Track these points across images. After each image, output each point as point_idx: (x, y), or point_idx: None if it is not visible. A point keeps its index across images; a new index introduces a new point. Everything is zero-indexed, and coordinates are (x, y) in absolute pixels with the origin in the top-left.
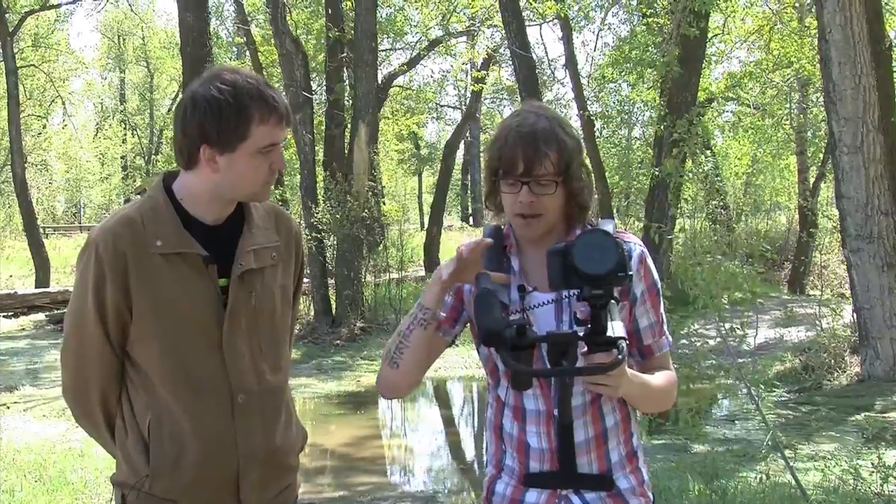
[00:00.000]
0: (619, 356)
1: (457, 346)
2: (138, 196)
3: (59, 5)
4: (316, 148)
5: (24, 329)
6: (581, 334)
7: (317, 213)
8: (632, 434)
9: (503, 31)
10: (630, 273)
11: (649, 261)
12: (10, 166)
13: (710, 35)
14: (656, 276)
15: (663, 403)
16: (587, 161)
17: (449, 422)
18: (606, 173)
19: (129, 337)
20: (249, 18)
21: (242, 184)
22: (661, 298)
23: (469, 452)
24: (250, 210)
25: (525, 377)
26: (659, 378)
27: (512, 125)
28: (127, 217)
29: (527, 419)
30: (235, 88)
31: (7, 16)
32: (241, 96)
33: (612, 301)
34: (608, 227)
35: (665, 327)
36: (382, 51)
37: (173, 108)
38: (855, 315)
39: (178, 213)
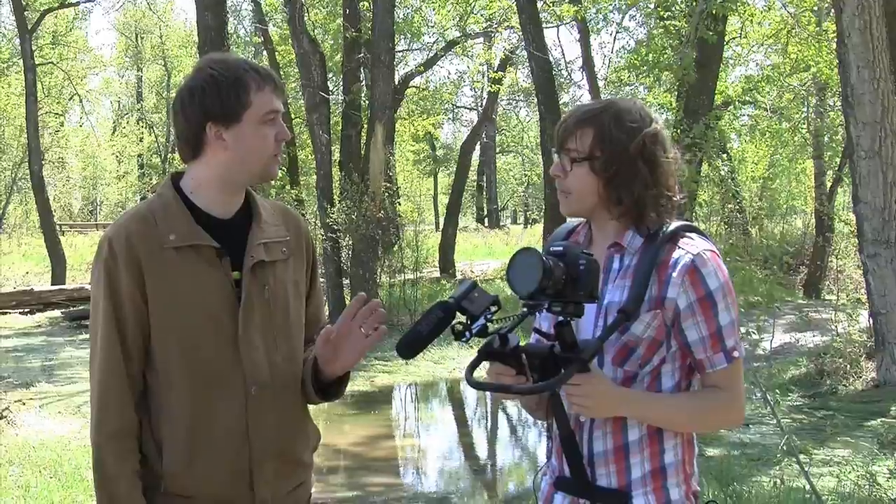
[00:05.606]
0: (562, 373)
1: (471, 346)
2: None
3: (77, 3)
4: (332, 148)
5: (39, 326)
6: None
7: (332, 214)
8: (663, 450)
9: (520, 33)
10: (549, 293)
11: (702, 270)
12: (27, 163)
13: (727, 38)
14: (713, 286)
15: (696, 426)
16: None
17: (462, 423)
18: None
19: (149, 342)
20: (267, 18)
21: (252, 157)
22: (727, 311)
23: (482, 454)
24: (258, 206)
25: (474, 385)
26: (691, 398)
27: None
28: (139, 214)
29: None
30: (227, 64)
31: (26, 13)
32: (234, 69)
33: (622, 315)
34: (676, 228)
35: (726, 342)
36: (399, 51)
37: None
38: (871, 320)
39: (188, 208)
